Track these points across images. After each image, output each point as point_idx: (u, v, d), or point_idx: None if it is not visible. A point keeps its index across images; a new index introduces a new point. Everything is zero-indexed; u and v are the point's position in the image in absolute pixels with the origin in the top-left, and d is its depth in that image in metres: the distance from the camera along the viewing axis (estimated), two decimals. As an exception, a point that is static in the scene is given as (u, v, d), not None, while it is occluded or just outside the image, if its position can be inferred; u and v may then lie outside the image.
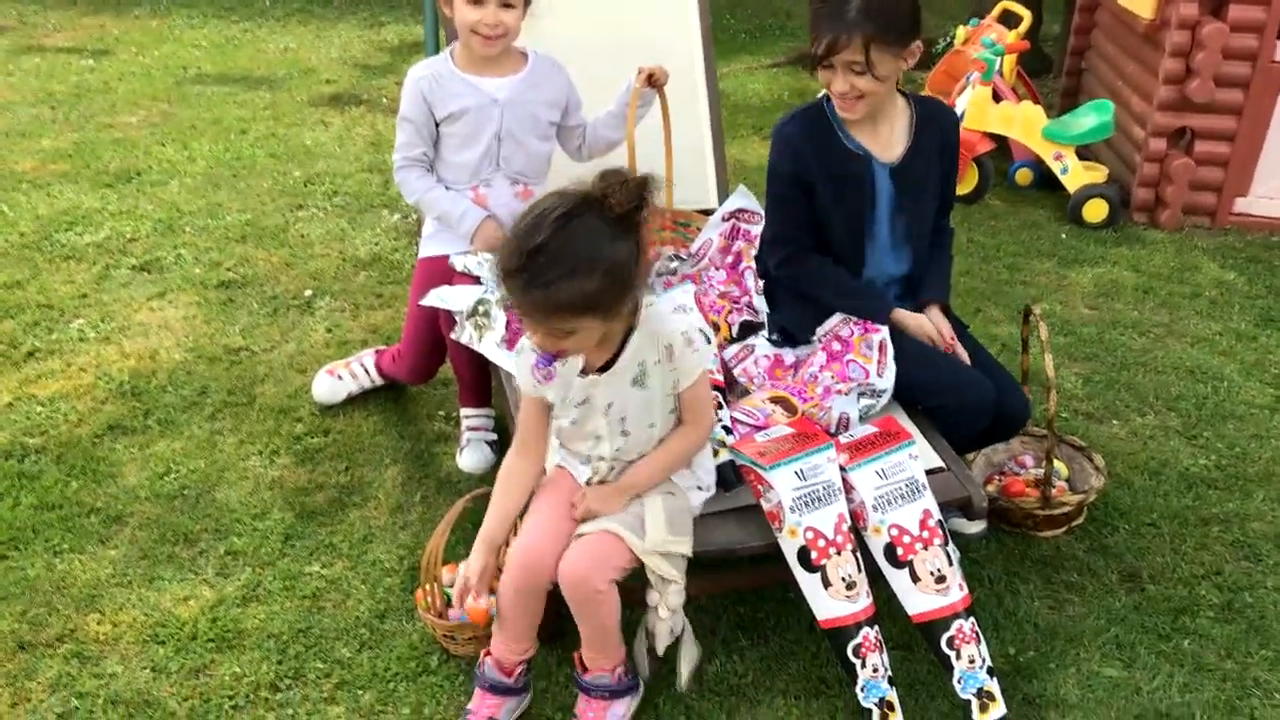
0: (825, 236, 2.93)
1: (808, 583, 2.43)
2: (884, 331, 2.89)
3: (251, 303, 4.28)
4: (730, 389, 2.90)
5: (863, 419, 2.79)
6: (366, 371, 3.62)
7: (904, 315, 2.92)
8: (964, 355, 2.88)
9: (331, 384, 3.60)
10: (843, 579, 2.42)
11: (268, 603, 2.77)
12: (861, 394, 2.82)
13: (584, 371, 2.32)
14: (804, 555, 2.42)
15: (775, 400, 2.75)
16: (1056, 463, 3.29)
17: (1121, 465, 3.42)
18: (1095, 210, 5.32)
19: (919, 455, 2.52)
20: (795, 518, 2.42)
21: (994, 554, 3.05)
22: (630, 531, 2.32)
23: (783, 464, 2.44)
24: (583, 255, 2.06)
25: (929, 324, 2.91)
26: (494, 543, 2.37)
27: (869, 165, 2.88)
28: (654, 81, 3.27)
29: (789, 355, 2.94)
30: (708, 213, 3.49)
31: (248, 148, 5.96)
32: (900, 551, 2.46)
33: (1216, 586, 2.92)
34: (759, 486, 2.46)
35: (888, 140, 2.89)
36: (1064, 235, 5.24)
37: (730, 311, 3.10)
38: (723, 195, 3.77)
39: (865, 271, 2.97)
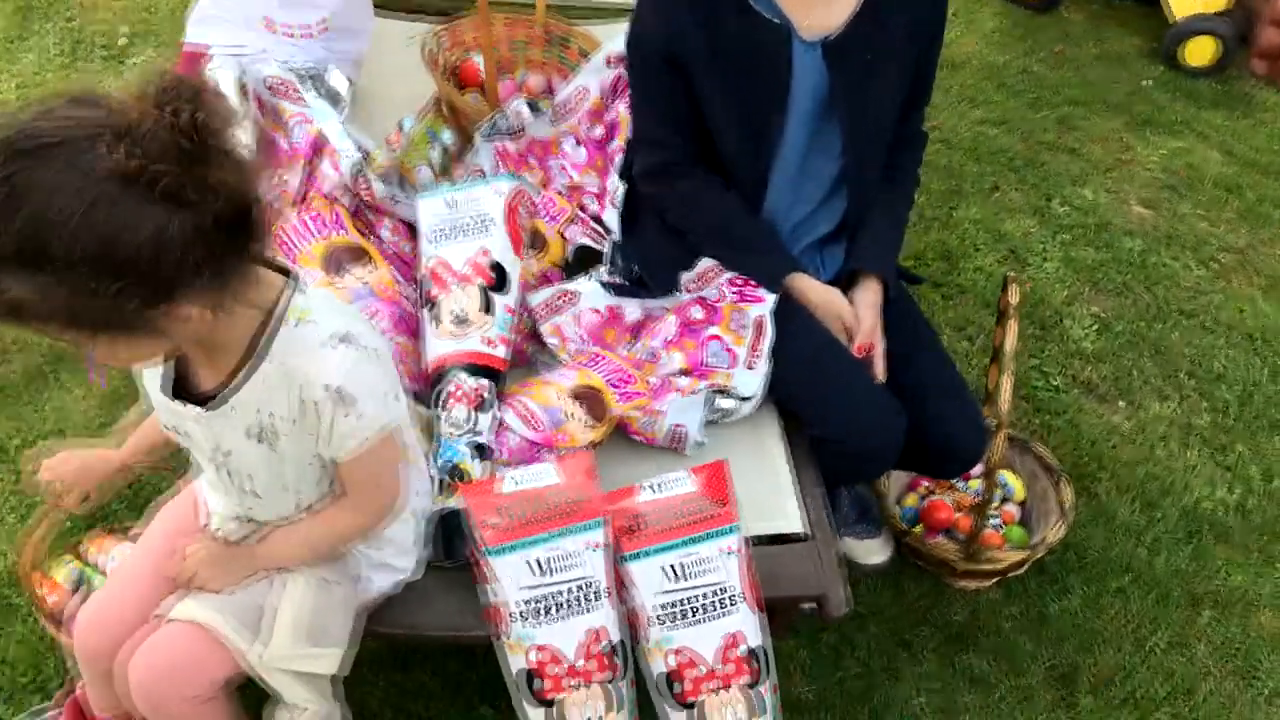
0: (715, 145, 1.89)
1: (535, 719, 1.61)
2: (768, 304, 1.90)
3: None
4: (533, 358, 1.96)
5: (710, 426, 1.88)
6: None
7: (808, 285, 1.92)
8: (879, 369, 1.90)
9: None
10: (584, 722, 1.60)
11: None
12: (716, 393, 1.88)
13: (177, 393, 1.41)
14: (530, 680, 1.58)
15: (581, 393, 1.82)
16: (1011, 480, 2.36)
17: (1107, 483, 2.48)
18: (1199, 50, 4.02)
19: (736, 550, 1.61)
20: (521, 629, 1.56)
21: (884, 605, 2.20)
22: (238, 631, 1.48)
23: (512, 548, 1.55)
24: (36, 222, 1.08)
25: (844, 306, 1.91)
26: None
27: (786, 39, 1.79)
28: None
29: (632, 308, 1.97)
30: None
31: None
32: (684, 687, 1.62)
33: (1178, 716, 2.07)
34: (476, 569, 1.59)
35: (821, 1, 1.80)
36: (1149, 81, 3.98)
37: (572, 221, 2.09)
38: None
39: (766, 206, 1.95)
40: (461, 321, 1.81)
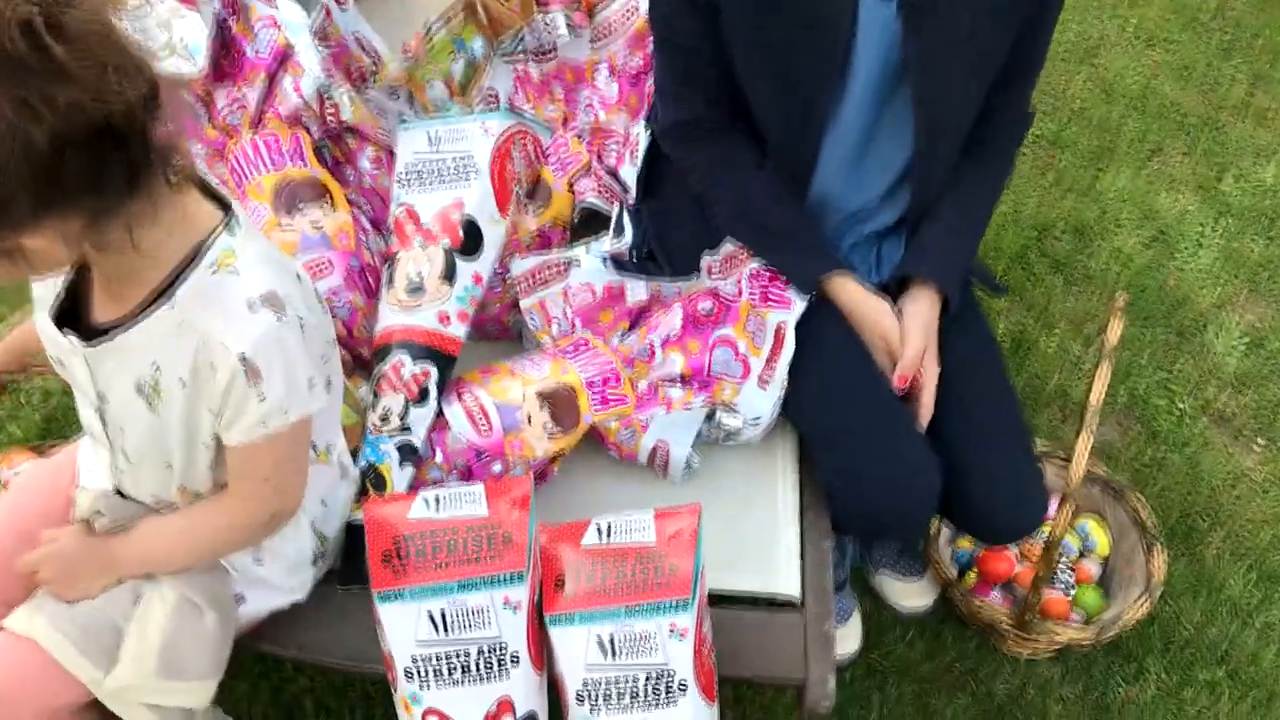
0: (752, 110, 1.50)
1: (423, 787, 1.35)
2: (794, 310, 1.53)
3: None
4: (515, 331, 1.65)
5: (710, 446, 1.55)
6: None
7: (851, 291, 1.53)
8: (925, 408, 1.51)
9: None
10: (481, 803, 1.33)
11: None
12: (719, 412, 1.54)
13: (61, 320, 1.18)
14: (421, 746, 1.32)
15: (552, 392, 1.50)
16: (1095, 530, 1.95)
17: (1220, 545, 2.04)
18: None
19: (685, 632, 1.28)
20: (413, 688, 1.29)
21: (914, 661, 1.85)
22: (85, 653, 1.25)
23: (405, 595, 1.26)
24: None
25: (890, 323, 1.52)
26: None
27: (853, -11, 1.38)
28: None
29: (636, 289, 1.62)
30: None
31: None
32: (608, 780, 1.33)
33: None
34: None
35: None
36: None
37: (584, 172, 1.73)
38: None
39: (814, 191, 1.56)
40: (416, 289, 1.51)
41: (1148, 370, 2.32)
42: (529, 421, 1.48)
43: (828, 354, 1.51)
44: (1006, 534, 1.59)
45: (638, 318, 1.62)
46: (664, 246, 1.63)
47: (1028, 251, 2.53)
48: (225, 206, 1.15)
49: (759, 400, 1.52)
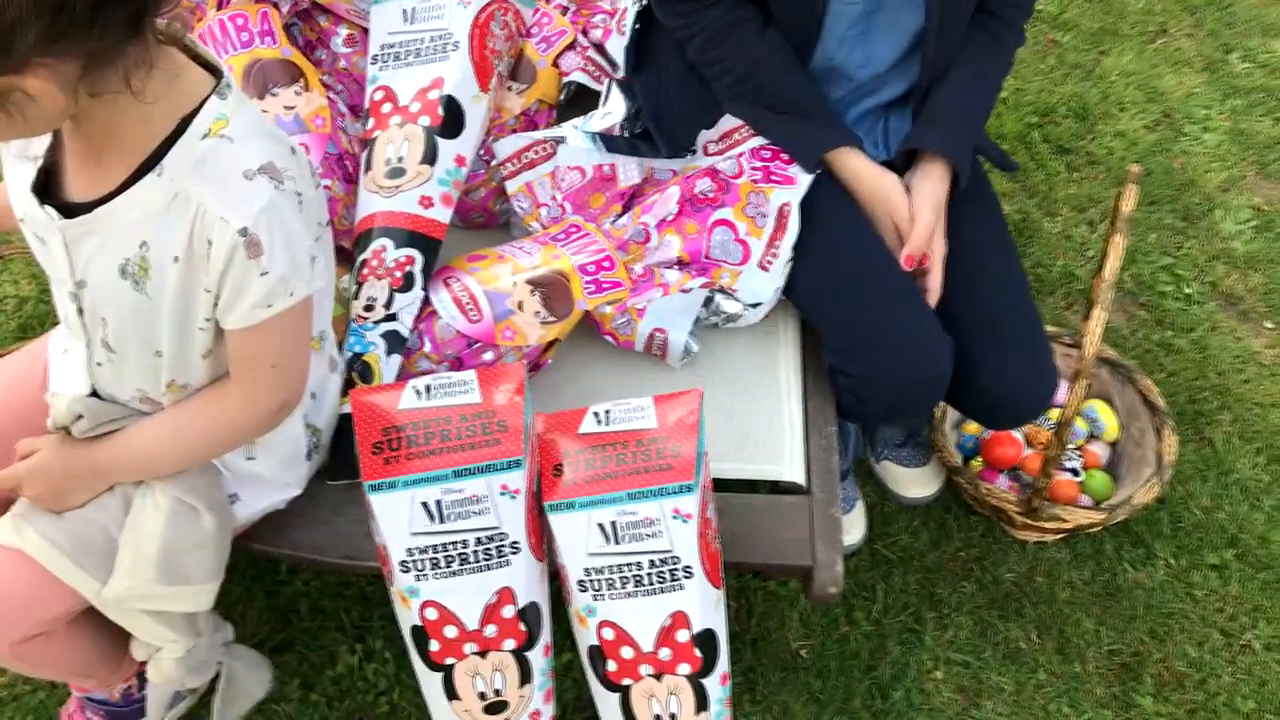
0: None
1: (428, 683, 1.32)
2: (798, 189, 1.46)
3: None
4: (503, 218, 1.58)
5: (710, 330, 1.50)
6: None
7: (858, 165, 1.46)
8: (934, 285, 1.45)
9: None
10: (479, 694, 1.30)
11: None
12: (717, 296, 1.48)
13: (43, 189, 1.10)
14: (420, 640, 1.28)
15: (543, 280, 1.43)
16: (1103, 414, 1.91)
17: (1229, 427, 2.00)
18: None
19: (690, 514, 1.23)
20: (410, 580, 1.25)
21: (920, 550, 1.82)
22: (80, 564, 1.20)
23: (398, 484, 1.21)
24: None
25: (899, 199, 1.45)
26: None
27: None
28: None
29: (629, 169, 1.54)
30: None
31: None
32: (613, 668, 1.30)
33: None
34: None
35: None
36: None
37: (570, 48, 1.64)
38: None
39: (818, 58, 1.47)
40: (396, 173, 1.43)
41: (1154, 254, 2.26)
42: (520, 308, 1.41)
43: (833, 233, 1.45)
44: (1014, 418, 1.54)
45: (630, 200, 1.55)
46: (658, 122, 1.55)
47: (1030, 135, 2.45)
48: (215, 72, 1.07)
49: (760, 284, 1.46)
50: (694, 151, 1.54)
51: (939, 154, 1.44)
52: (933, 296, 1.43)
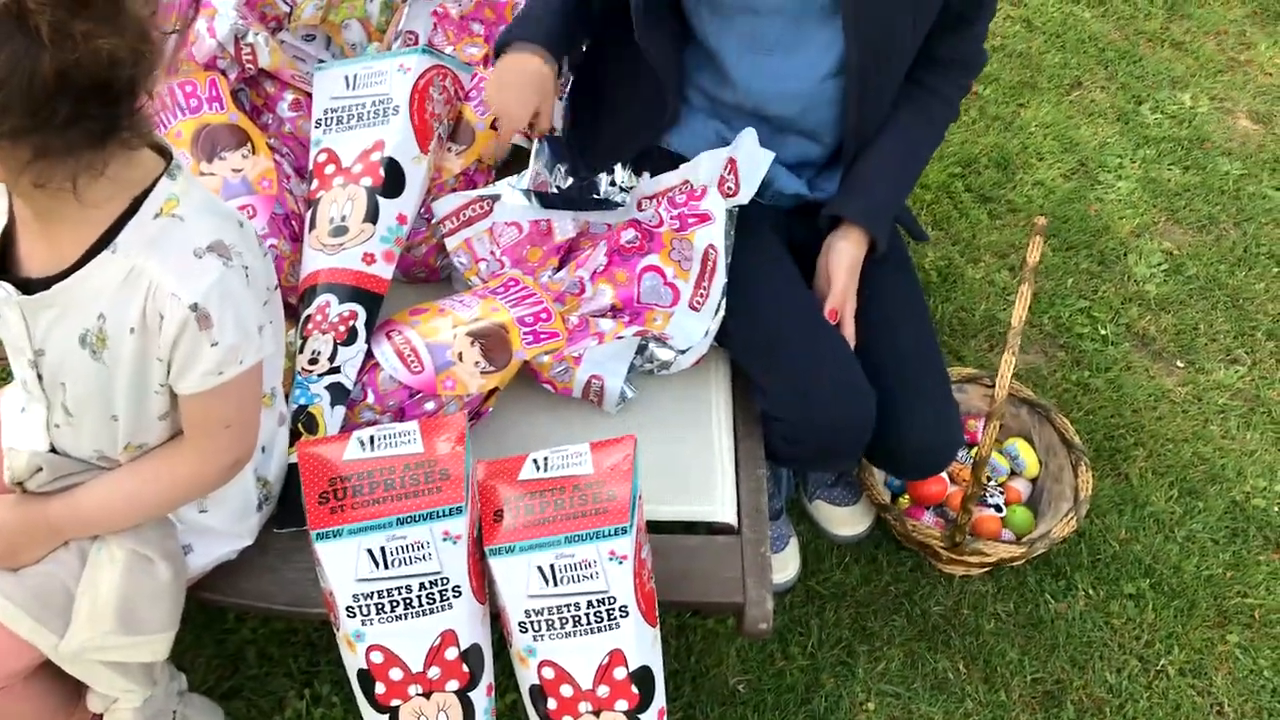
0: None
1: (372, 722, 1.36)
2: (717, 224, 1.54)
3: None
4: (444, 273, 1.64)
5: (645, 376, 1.57)
6: None
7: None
8: (849, 332, 1.54)
9: None
10: (426, 737, 1.35)
11: None
12: (651, 344, 1.55)
13: (7, 271, 1.16)
14: (366, 683, 1.33)
15: (482, 331, 1.49)
16: (1023, 452, 2.00)
17: (1144, 462, 2.10)
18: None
19: (624, 556, 1.30)
20: (355, 625, 1.29)
21: (851, 585, 1.89)
22: (39, 619, 1.23)
23: (343, 532, 1.26)
24: None
25: (823, 265, 1.55)
26: None
27: None
28: None
29: (564, 223, 1.61)
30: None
31: None
32: (553, 706, 1.35)
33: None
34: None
35: None
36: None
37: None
38: None
39: (729, 72, 1.55)
40: (339, 231, 1.49)
41: (1071, 297, 2.38)
42: (460, 359, 1.47)
43: (763, 284, 1.53)
44: (920, 469, 1.64)
45: (567, 254, 1.62)
46: (586, 160, 1.62)
47: (953, 184, 2.57)
48: (164, 154, 1.14)
49: (692, 324, 1.54)
50: (624, 205, 1.61)
51: (858, 223, 1.53)
52: (851, 340, 1.52)
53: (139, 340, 1.13)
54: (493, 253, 1.59)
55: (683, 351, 1.55)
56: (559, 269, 1.60)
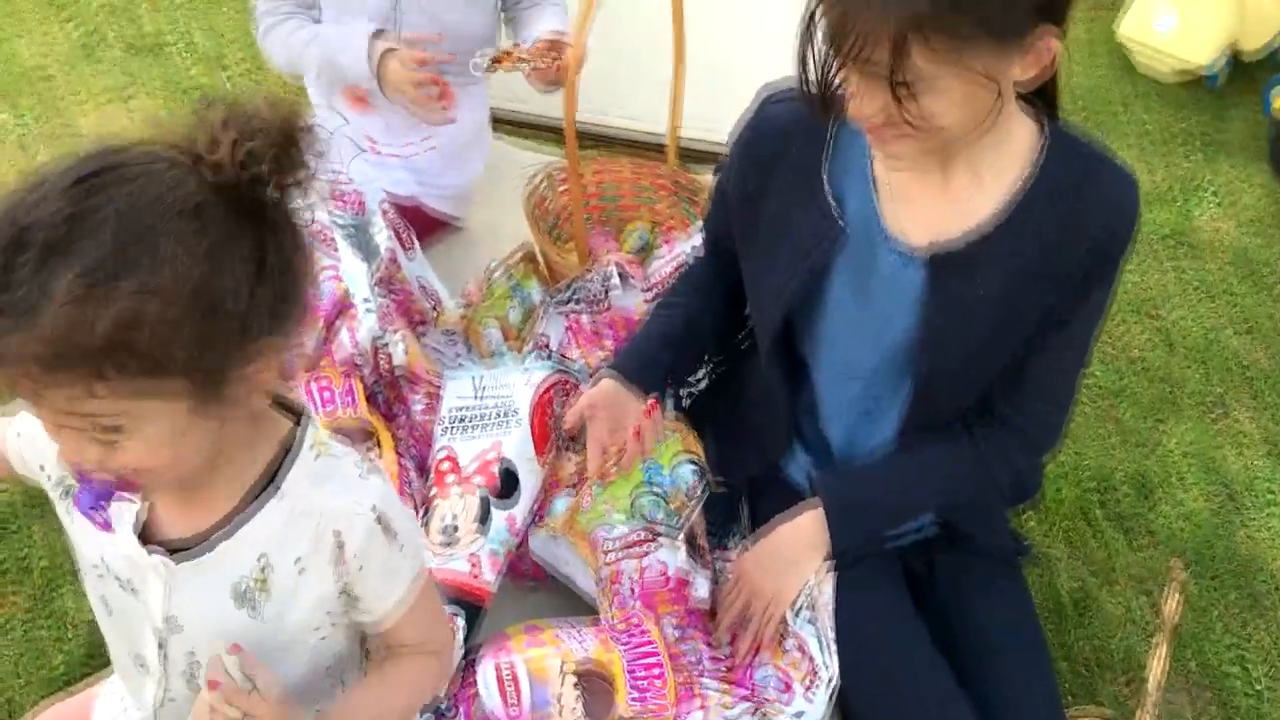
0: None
1: None
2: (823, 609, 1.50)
3: None
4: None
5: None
6: None
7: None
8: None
9: None
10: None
11: None
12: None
13: (145, 537, 1.09)
14: None
15: (590, 672, 1.43)
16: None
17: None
18: None
19: None
20: None
21: None
22: None
23: None
24: (123, 255, 0.88)
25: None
26: None
27: (873, 238, 1.41)
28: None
29: (700, 584, 1.56)
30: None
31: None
32: None
33: None
34: None
35: (945, 199, 1.39)
36: None
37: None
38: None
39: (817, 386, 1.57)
40: (450, 535, 1.51)
41: (1220, 639, 2.21)
42: (559, 705, 1.41)
43: (862, 626, 1.47)
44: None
45: (695, 617, 1.57)
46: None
47: (1088, 504, 2.47)
48: (296, 413, 1.12)
49: (810, 708, 1.46)
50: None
51: (818, 494, 1.51)
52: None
53: (308, 574, 1.07)
54: (632, 589, 1.54)
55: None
56: (685, 634, 1.55)
